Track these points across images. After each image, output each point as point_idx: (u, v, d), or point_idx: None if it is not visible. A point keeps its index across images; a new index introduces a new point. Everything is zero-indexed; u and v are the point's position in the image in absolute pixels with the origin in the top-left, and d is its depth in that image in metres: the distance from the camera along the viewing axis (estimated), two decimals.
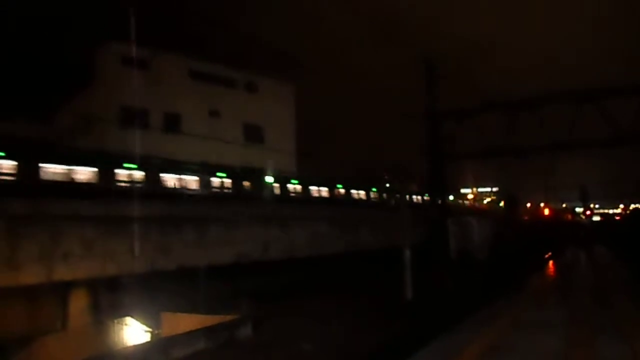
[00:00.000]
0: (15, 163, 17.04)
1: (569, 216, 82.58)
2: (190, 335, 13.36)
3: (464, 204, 65.95)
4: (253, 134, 39.82)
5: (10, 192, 14.73)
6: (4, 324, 14.32)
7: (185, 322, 17.30)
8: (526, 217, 63.56)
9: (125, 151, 22.52)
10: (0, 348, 15.78)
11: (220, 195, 25.80)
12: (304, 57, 44.36)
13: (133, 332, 16.94)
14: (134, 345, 15.59)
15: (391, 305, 16.82)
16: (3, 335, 15.31)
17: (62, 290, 15.04)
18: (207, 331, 13.50)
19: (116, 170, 21.24)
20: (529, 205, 72.51)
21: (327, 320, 14.96)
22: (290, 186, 31.81)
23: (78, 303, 15.62)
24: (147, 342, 15.93)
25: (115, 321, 16.87)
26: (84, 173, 21.94)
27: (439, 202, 26.07)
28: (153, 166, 22.76)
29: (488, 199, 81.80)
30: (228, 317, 18.23)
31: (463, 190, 70.82)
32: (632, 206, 75.34)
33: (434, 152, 24.33)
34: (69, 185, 19.49)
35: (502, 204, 67.34)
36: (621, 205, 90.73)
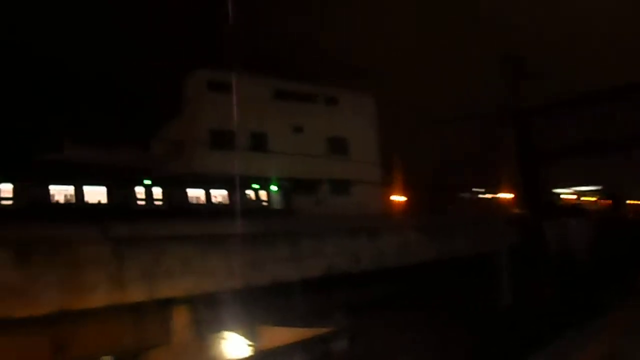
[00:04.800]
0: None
1: None
2: (287, 348, 13.61)
3: (560, 204, 62.77)
4: (337, 147, 40.16)
5: (112, 215, 15.80)
6: (116, 339, 15.28)
7: (282, 335, 17.65)
8: (631, 215, 59.41)
9: (215, 172, 23.63)
10: None
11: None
12: (383, 67, 44.20)
13: (232, 346, 17.47)
14: (235, 359, 16.11)
15: (487, 313, 16.28)
16: (115, 349, 16.36)
17: (165, 306, 15.78)
18: (304, 344, 13.68)
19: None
20: (631, 202, 67.67)
21: (422, 331, 14.71)
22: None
23: (180, 319, 16.33)
24: (247, 356, 16.38)
25: (215, 335, 17.48)
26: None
27: (534, 203, 25.00)
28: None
29: (587, 198, 77.24)
30: (322, 330, 18.39)
31: (558, 190, 67.31)
32: None
33: (525, 151, 23.40)
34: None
35: (600, 201, 63.39)
36: None
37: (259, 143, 34.38)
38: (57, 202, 21.37)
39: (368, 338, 17.13)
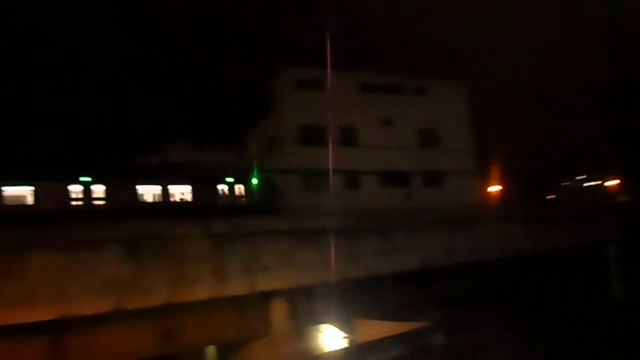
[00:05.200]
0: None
1: None
2: (384, 341, 13.61)
3: None
4: (428, 138, 39.44)
5: (212, 213, 16.56)
6: (219, 330, 16.01)
7: (377, 328, 17.67)
8: None
9: (307, 168, 23.94)
10: (217, 351, 17.69)
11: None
12: (479, 50, 42.72)
13: (329, 338, 17.75)
14: (332, 351, 16.35)
15: (595, 306, 15.37)
16: (219, 340, 17.13)
17: (264, 299, 16.31)
18: (401, 338, 13.62)
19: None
20: None
21: (522, 326, 14.15)
22: None
23: (278, 311, 16.82)
24: (344, 348, 16.56)
25: (313, 328, 17.83)
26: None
27: None
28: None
29: None
30: (418, 324, 18.18)
31: None
32: None
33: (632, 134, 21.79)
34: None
35: None
36: None
37: (348, 137, 34.53)
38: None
39: (464, 332, 16.74)
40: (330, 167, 25.28)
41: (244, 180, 24.84)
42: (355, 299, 17.15)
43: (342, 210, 19.50)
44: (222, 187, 24.27)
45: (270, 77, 36.02)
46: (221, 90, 33.63)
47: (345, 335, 17.20)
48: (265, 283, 15.96)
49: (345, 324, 17.15)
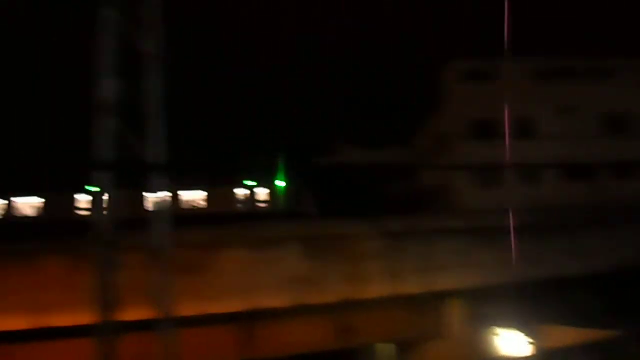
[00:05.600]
0: None
1: None
2: (574, 349, 12.48)
3: None
4: (614, 125, 35.50)
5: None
6: (394, 329, 16.01)
7: (565, 335, 16.27)
8: None
9: (480, 163, 22.83)
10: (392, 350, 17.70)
11: None
12: None
13: (511, 343, 16.75)
14: (515, 357, 15.41)
15: None
16: (393, 339, 17.14)
17: (439, 299, 15.95)
18: (593, 346, 12.37)
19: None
20: None
21: None
22: None
23: (455, 312, 16.34)
24: (528, 355, 15.53)
25: (492, 331, 16.98)
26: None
27: None
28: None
29: None
30: (612, 332, 16.38)
31: None
32: None
33: None
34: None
35: None
36: None
37: (524, 129, 32.36)
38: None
39: None
40: (507, 161, 23.92)
41: (267, 183, 22.31)
42: (538, 302, 15.98)
43: (522, 207, 18.30)
44: (242, 192, 22.11)
45: (436, 70, 35.20)
46: (388, 88, 33.60)
47: (529, 340, 16.09)
48: (441, 283, 15.62)
49: (528, 328, 16.03)
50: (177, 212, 19.84)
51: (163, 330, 9.82)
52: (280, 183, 22.23)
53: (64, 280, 13.75)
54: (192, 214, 21.32)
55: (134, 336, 9.62)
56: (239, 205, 22.00)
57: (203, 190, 20.48)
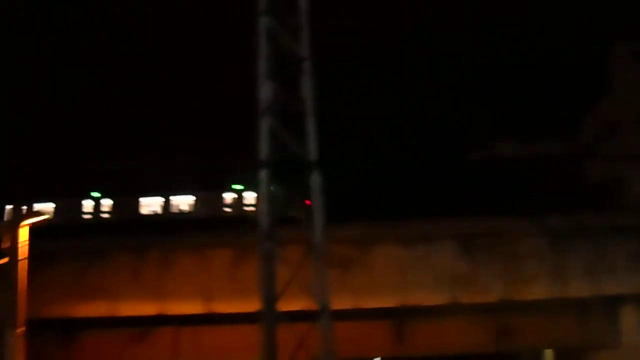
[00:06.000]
0: None
1: None
2: None
3: None
4: None
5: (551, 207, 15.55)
6: (558, 334, 14.96)
7: None
8: None
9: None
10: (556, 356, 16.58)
11: None
12: None
13: None
14: None
15: None
16: (557, 344, 16.03)
17: (611, 305, 14.63)
18: None
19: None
20: None
21: None
22: None
23: (629, 319, 14.82)
24: None
25: None
26: None
27: None
28: None
29: None
30: None
31: None
32: None
33: None
34: None
35: None
36: None
37: None
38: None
39: None
40: None
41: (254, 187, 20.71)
42: None
43: None
44: (230, 196, 21.91)
45: (602, 52, 32.14)
46: (546, 73, 31.43)
47: None
48: (612, 286, 14.29)
49: None
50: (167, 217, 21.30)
51: (321, 322, 10.14)
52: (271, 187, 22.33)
53: (230, 270, 14.89)
54: (181, 219, 21.42)
55: (293, 326, 10.05)
56: (226, 210, 21.74)
57: (191, 195, 21.00)
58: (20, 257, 12.44)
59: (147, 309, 15.01)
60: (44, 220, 13.38)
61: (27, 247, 12.62)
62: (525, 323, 14.84)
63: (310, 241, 10.21)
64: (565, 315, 14.80)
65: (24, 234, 12.64)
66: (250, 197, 21.49)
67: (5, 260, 12.43)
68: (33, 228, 12.89)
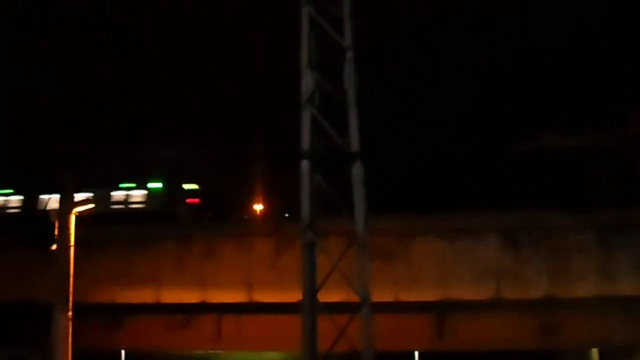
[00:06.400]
0: None
1: None
2: None
3: None
4: None
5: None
6: (604, 332, 14.51)
7: None
8: None
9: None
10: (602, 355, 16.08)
11: None
12: None
13: None
14: None
15: None
16: (604, 342, 15.54)
17: None
18: None
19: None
20: None
21: None
22: None
23: None
24: None
25: None
26: None
27: None
28: None
29: None
30: None
31: None
32: None
33: None
34: None
35: None
36: None
37: None
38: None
39: None
40: None
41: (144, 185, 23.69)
42: None
43: None
44: (123, 193, 23.52)
45: None
46: (591, 60, 30.28)
47: None
48: None
49: None
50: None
51: (361, 314, 10.10)
52: (155, 185, 23.72)
53: (271, 260, 15.05)
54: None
55: (333, 317, 10.06)
56: (114, 206, 23.07)
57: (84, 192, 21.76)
58: (69, 243, 12.88)
59: (190, 296, 15.37)
60: (91, 209, 13.77)
61: (74, 234, 13.06)
62: (570, 320, 14.41)
63: (351, 232, 10.13)
64: (611, 314, 14.28)
65: (72, 221, 13.08)
66: (137, 194, 23.52)
67: (55, 246, 12.93)
68: (79, 216, 13.31)
